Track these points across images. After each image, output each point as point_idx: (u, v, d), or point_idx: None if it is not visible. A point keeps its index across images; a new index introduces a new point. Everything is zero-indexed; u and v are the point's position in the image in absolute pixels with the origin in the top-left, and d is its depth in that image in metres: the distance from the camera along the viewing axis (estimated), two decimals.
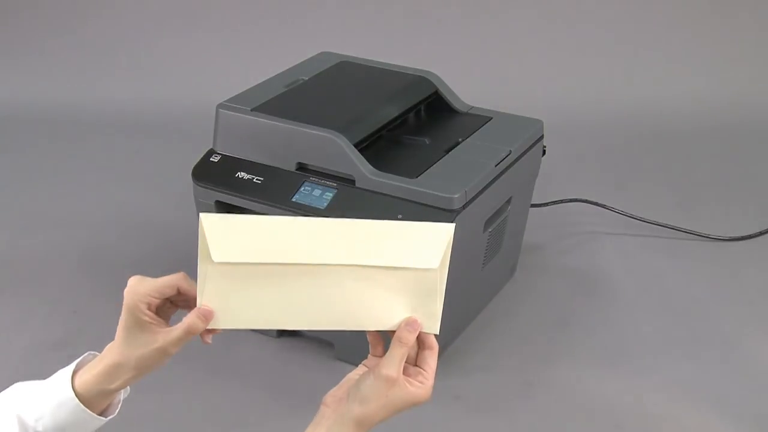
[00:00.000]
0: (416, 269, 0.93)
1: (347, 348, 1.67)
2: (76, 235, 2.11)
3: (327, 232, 0.92)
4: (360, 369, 0.98)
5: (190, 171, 1.67)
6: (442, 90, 1.83)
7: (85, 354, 1.00)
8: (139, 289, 0.93)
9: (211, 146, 1.68)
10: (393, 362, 0.92)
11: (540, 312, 1.86)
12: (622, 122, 2.71)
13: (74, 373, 0.97)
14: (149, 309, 0.93)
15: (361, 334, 1.68)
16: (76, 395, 0.95)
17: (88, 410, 0.97)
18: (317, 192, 1.55)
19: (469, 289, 1.72)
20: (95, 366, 0.97)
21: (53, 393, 0.98)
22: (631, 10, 2.94)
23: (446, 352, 1.72)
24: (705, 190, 2.36)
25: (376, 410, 0.92)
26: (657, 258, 2.05)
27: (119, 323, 0.94)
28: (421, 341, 0.97)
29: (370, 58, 1.93)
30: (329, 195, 1.54)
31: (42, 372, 1.64)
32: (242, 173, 1.61)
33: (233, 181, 1.61)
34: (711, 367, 1.69)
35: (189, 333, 0.92)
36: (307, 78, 1.81)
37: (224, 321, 0.94)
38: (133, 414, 1.58)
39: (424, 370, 0.96)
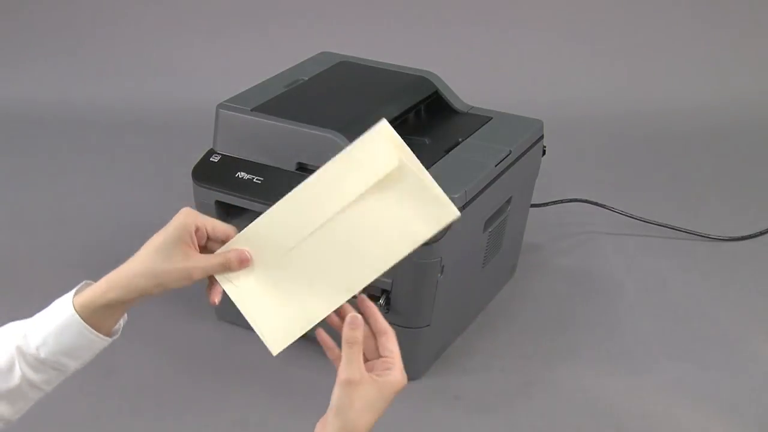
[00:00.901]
0: (382, 179, 0.91)
1: None
2: (76, 235, 2.11)
3: (299, 203, 0.93)
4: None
5: (190, 171, 1.67)
6: (442, 90, 1.83)
7: (81, 283, 0.99)
8: (196, 215, 0.96)
9: (211, 146, 1.68)
10: (349, 365, 0.91)
11: (540, 312, 1.86)
12: (622, 122, 2.72)
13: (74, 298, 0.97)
14: (194, 234, 0.95)
15: None
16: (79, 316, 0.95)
17: (93, 329, 0.96)
18: None
19: (469, 289, 1.72)
20: (101, 283, 0.96)
21: (54, 318, 0.97)
22: (632, 10, 2.94)
23: (446, 352, 1.72)
24: (705, 190, 2.36)
25: (355, 416, 0.89)
26: (657, 258, 2.05)
27: (156, 236, 0.95)
28: (374, 330, 0.95)
29: (370, 58, 1.93)
30: None
31: None
32: (242, 173, 1.61)
33: (233, 181, 1.61)
34: (711, 367, 1.69)
35: (222, 266, 0.95)
36: (307, 78, 1.81)
37: (281, 339, 0.96)
38: (134, 414, 1.59)
39: (386, 357, 0.93)
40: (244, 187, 1.60)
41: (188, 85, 2.85)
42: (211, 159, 1.66)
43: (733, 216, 2.21)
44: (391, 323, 1.60)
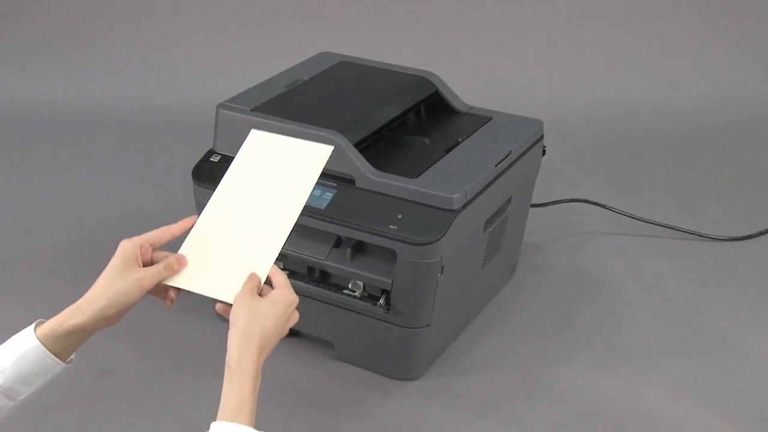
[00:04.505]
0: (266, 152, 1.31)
1: (347, 348, 1.67)
2: (76, 235, 2.11)
3: (223, 197, 1.26)
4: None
5: (190, 171, 1.67)
6: (442, 90, 1.83)
7: (38, 320, 1.13)
8: (133, 239, 1.17)
9: (211, 146, 1.68)
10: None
11: (540, 312, 1.86)
12: (622, 122, 2.72)
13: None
14: (141, 257, 1.16)
15: (360, 335, 1.68)
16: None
17: (51, 354, 1.09)
18: (317, 192, 1.55)
19: (469, 289, 1.72)
20: (63, 313, 1.12)
21: (15, 346, 1.09)
22: (632, 10, 2.94)
23: (446, 352, 1.72)
24: (705, 190, 2.36)
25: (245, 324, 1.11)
26: (657, 258, 2.05)
27: (105, 270, 1.13)
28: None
29: (370, 58, 1.93)
30: (329, 195, 1.54)
31: None
32: None
33: None
34: (711, 367, 1.69)
35: (166, 270, 1.16)
36: (307, 78, 1.81)
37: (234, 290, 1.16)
38: (134, 414, 1.59)
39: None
40: None
41: (188, 85, 2.85)
42: (211, 159, 1.66)
43: (733, 216, 2.21)
44: (391, 323, 1.61)
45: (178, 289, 1.19)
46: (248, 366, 1.10)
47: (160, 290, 1.18)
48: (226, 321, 1.12)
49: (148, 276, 1.14)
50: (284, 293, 1.15)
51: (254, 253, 1.17)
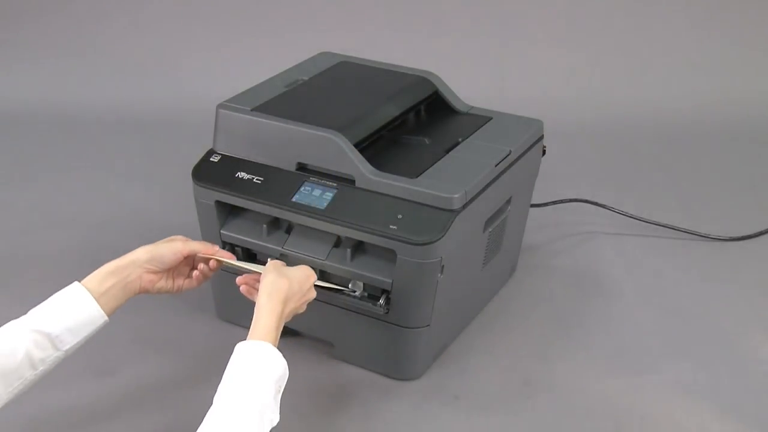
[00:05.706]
0: None
1: (347, 348, 1.67)
2: (76, 235, 2.11)
3: None
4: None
5: (190, 171, 1.67)
6: (442, 90, 1.83)
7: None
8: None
9: (211, 146, 1.68)
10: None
11: (540, 312, 1.86)
12: (622, 122, 2.72)
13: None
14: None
15: (360, 335, 1.68)
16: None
17: (94, 300, 1.26)
18: (317, 192, 1.55)
19: (469, 289, 1.72)
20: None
21: (63, 295, 1.26)
22: (632, 10, 2.94)
23: (446, 352, 1.72)
24: (705, 190, 2.36)
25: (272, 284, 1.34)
26: (657, 258, 2.05)
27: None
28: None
29: (370, 58, 1.93)
30: (329, 195, 1.54)
31: None
32: (242, 173, 1.61)
33: (233, 181, 1.61)
34: (711, 367, 1.69)
35: (203, 245, 1.46)
36: (307, 78, 1.81)
37: None
38: (134, 414, 1.59)
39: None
40: (244, 187, 1.60)
41: (188, 85, 2.85)
42: (211, 159, 1.66)
43: (733, 216, 2.21)
44: (391, 323, 1.61)
45: (207, 266, 1.46)
46: (275, 306, 1.28)
47: (189, 281, 1.47)
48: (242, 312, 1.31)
49: (186, 242, 1.42)
50: (306, 267, 1.42)
51: None
